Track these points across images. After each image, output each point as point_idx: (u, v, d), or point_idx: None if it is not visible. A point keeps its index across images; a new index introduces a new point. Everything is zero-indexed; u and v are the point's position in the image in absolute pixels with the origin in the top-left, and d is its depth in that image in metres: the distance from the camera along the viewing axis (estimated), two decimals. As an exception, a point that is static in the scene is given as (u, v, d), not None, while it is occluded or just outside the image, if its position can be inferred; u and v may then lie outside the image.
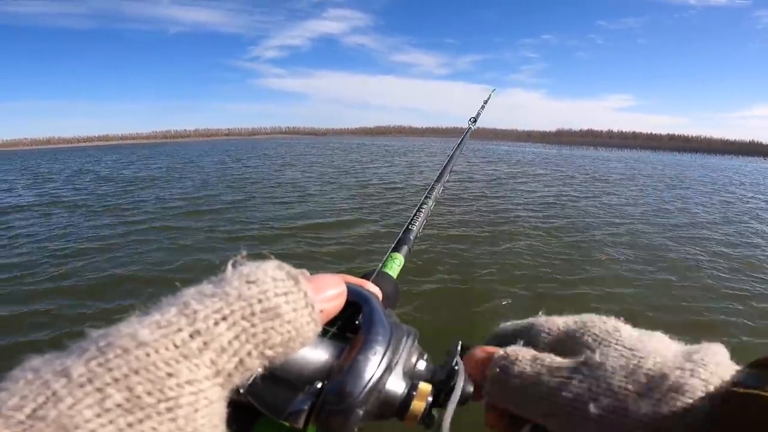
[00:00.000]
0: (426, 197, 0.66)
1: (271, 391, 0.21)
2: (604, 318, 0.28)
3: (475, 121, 1.42)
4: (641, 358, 0.23)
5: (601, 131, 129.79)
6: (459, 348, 0.27)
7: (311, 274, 0.22)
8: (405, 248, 0.51)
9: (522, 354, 0.26)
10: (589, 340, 0.26)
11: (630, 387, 0.22)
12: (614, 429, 0.22)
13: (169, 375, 0.16)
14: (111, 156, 29.58)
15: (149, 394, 0.15)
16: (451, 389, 0.25)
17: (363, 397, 0.21)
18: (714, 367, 0.22)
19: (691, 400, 0.21)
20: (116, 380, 0.15)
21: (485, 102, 1.76)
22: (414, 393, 0.24)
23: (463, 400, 0.25)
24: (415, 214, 0.60)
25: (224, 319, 0.18)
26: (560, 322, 0.29)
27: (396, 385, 0.23)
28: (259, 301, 0.19)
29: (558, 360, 0.26)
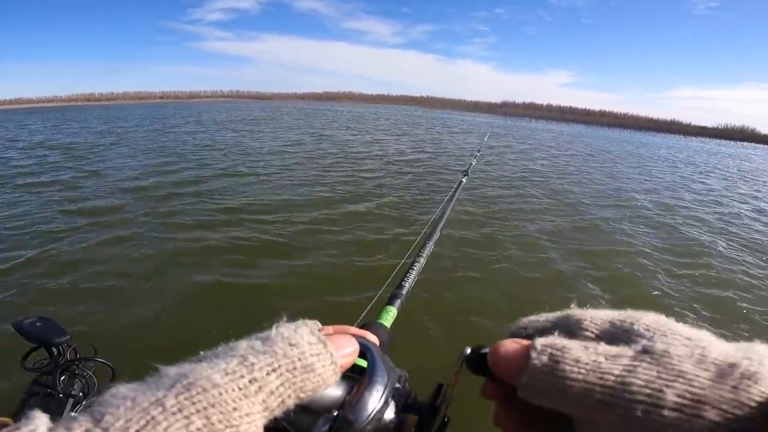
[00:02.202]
0: (418, 255, 0.70)
1: (300, 418, 0.29)
2: (646, 312, 0.26)
3: (466, 174, 1.41)
4: (704, 347, 0.23)
5: (542, 105, 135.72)
6: (437, 387, 0.33)
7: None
8: (398, 302, 0.59)
9: (569, 342, 0.24)
10: (642, 329, 0.25)
11: (702, 375, 0.21)
12: (692, 420, 0.21)
13: (234, 409, 0.22)
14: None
15: (220, 422, 0.21)
16: (433, 419, 0.32)
17: (366, 424, 0.29)
18: None
19: (765, 389, 0.20)
20: (198, 411, 0.21)
21: (478, 151, 1.87)
22: (404, 422, 0.32)
23: (440, 429, 0.32)
24: (407, 272, 0.65)
25: (274, 371, 0.24)
26: (601, 313, 0.27)
27: (391, 415, 0.32)
28: (299, 359, 0.26)
29: (614, 348, 0.24)
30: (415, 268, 0.67)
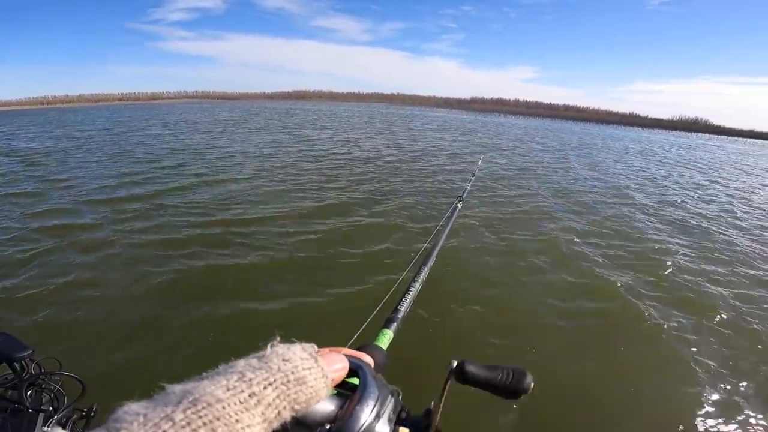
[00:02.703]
0: (413, 281, 0.73)
1: (296, 430, 0.30)
2: None
3: (461, 198, 1.44)
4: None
5: (509, 100, 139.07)
6: (432, 405, 0.36)
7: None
8: (394, 325, 0.62)
9: None
10: None
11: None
12: None
13: (237, 421, 0.24)
14: None
15: None
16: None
17: None
18: None
19: None
20: (205, 424, 0.23)
21: (473, 176, 1.92)
22: None
23: None
24: (403, 296, 0.69)
25: (270, 384, 0.27)
26: None
27: (382, 428, 0.33)
28: (292, 373, 0.28)
29: None
30: (411, 292, 0.70)
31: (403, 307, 0.66)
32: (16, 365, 1.22)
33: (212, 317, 3.26)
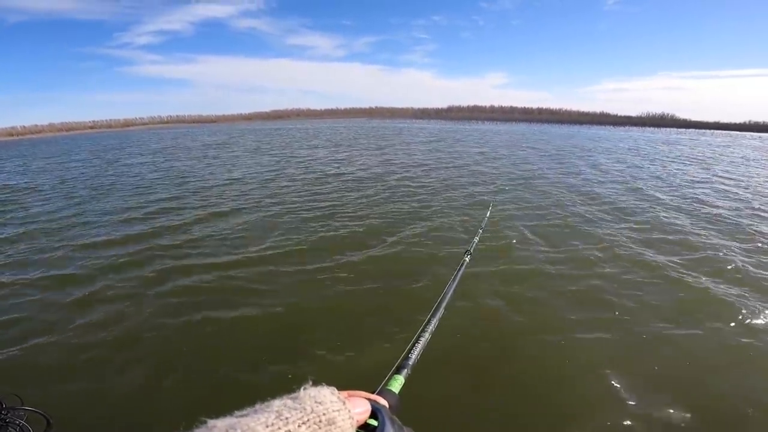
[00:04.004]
0: (423, 330, 0.78)
1: None
2: None
3: (469, 252, 1.49)
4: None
5: (485, 106, 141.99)
6: None
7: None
8: (405, 371, 0.67)
9: None
10: None
11: None
12: None
13: None
14: None
15: None
16: None
17: None
18: None
19: None
20: None
21: (480, 229, 1.96)
22: None
23: None
24: (414, 345, 0.74)
25: (304, 423, 0.29)
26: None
27: None
28: (324, 414, 0.31)
29: None
30: (421, 342, 0.74)
31: (414, 355, 0.70)
32: None
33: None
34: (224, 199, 9.23)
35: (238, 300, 4.20)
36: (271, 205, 8.33)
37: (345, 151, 19.53)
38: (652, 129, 69.54)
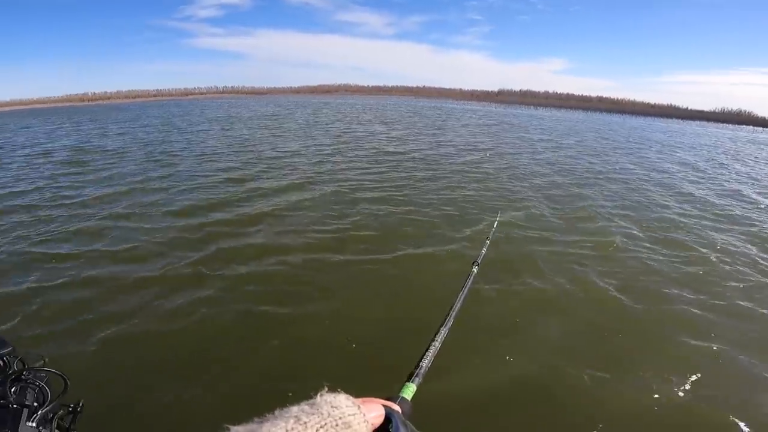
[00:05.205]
0: (432, 340, 0.81)
1: None
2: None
3: (477, 263, 1.42)
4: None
5: (539, 92, 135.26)
6: None
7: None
8: (417, 379, 0.70)
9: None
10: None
11: None
12: None
13: None
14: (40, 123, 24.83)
15: None
16: None
17: None
18: None
19: None
20: None
21: (487, 239, 1.75)
22: None
23: None
24: (425, 353, 0.77)
25: (322, 427, 0.31)
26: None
27: None
28: (340, 418, 0.32)
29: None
30: (431, 350, 0.78)
31: (425, 363, 0.73)
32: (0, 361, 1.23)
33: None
34: (286, 171, 9.37)
35: (297, 290, 4.09)
36: (332, 182, 8.36)
37: (401, 129, 19.43)
38: (726, 125, 63.36)
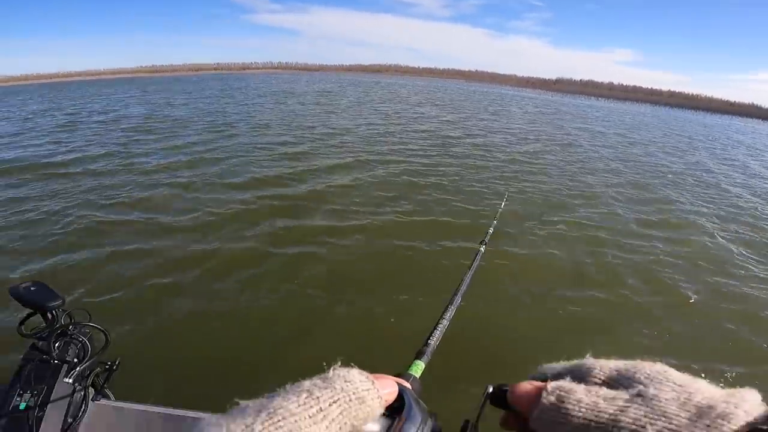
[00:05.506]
0: (441, 317, 0.81)
1: None
2: (651, 363, 0.32)
3: (484, 242, 1.45)
4: (690, 393, 0.27)
5: (602, 83, 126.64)
6: (464, 423, 0.39)
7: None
8: (425, 357, 0.67)
9: (575, 386, 0.30)
10: (641, 377, 0.30)
11: (683, 415, 0.26)
12: None
13: None
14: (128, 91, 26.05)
15: None
16: None
17: None
18: (750, 404, 0.26)
19: (736, 427, 0.24)
20: None
21: (494, 219, 1.80)
22: None
23: None
24: (433, 331, 0.75)
25: (335, 402, 0.30)
26: (611, 363, 0.33)
27: None
28: (354, 393, 0.31)
29: (612, 392, 0.29)
30: (439, 328, 0.77)
31: (433, 341, 0.72)
32: (49, 315, 1.23)
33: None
34: (339, 149, 9.32)
35: (353, 276, 3.99)
36: (383, 164, 8.18)
37: (454, 113, 18.87)
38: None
